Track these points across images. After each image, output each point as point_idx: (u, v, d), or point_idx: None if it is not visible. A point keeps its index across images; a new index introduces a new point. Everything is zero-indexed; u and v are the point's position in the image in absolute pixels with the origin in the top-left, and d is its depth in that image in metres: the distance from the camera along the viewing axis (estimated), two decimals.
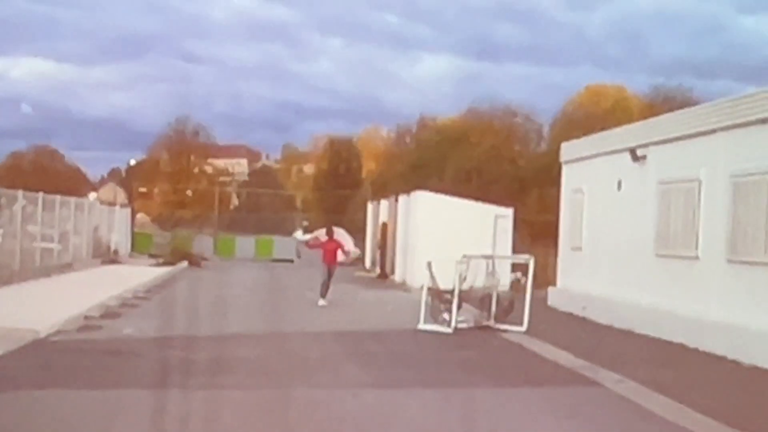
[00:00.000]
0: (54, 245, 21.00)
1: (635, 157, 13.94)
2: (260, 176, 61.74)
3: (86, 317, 12.33)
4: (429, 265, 13.60)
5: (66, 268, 21.04)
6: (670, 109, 18.81)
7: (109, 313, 13.22)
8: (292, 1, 65.05)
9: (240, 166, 65.91)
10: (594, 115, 34.83)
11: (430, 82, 68.75)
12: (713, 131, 11.87)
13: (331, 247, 16.88)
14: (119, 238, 30.03)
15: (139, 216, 43.71)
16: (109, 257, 26.78)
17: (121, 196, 41.58)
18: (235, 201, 57.82)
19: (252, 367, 9.25)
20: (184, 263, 26.96)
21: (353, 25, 73.25)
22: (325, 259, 16.58)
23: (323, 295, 16.27)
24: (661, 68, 68.75)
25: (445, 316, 12.94)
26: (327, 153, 54.87)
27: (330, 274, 16.48)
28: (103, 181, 58.80)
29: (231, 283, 21.83)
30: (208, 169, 57.51)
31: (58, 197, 21.73)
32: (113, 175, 66.00)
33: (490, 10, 66.74)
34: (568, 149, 18.18)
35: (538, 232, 24.12)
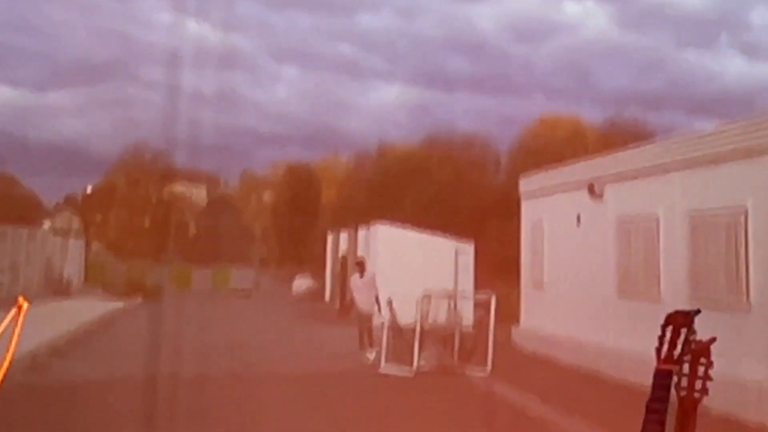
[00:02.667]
0: (2, 278, 20.40)
1: (593, 193, 13.91)
2: (219, 204, 61.11)
3: (34, 356, 11.92)
4: (389, 302, 13.39)
5: (15, 302, 20.37)
6: (626, 142, 18.94)
7: (58, 352, 12.80)
8: (248, 28, 64.51)
9: (198, 193, 65.17)
10: (550, 145, 35.07)
11: (385, 111, 69.07)
12: (669, 169, 11.87)
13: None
14: (72, 270, 29.33)
15: (94, 245, 42.89)
16: (61, 290, 26.11)
17: (76, 224, 40.76)
18: (193, 229, 57.08)
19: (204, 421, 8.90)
20: (138, 297, 26.36)
21: (308, 54, 73.18)
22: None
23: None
24: (610, 100, 69.82)
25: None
26: (286, 180, 54.53)
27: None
28: (58, 208, 57.69)
29: (188, 320, 21.33)
30: (166, 196, 56.76)
31: (9, 228, 21.18)
32: (69, 201, 64.86)
33: (440, 41, 67.40)
34: (526, 183, 18.13)
35: (499, 266, 24.03)
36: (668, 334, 2.90)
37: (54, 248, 26.89)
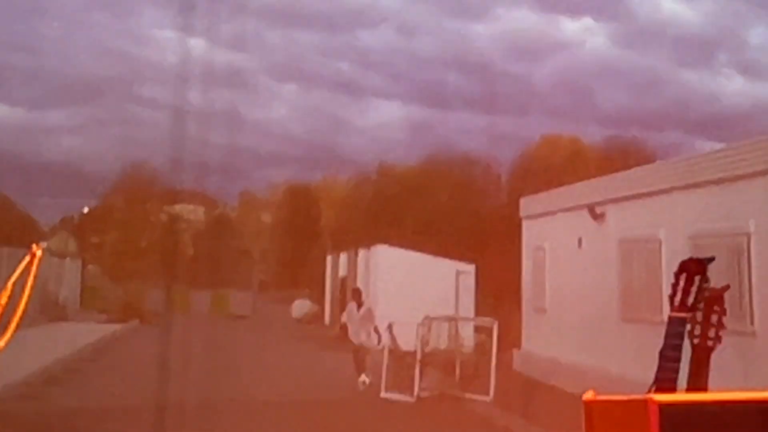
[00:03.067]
0: None
1: (594, 215, 13.77)
2: (217, 225, 60.97)
3: (27, 384, 11.72)
4: (390, 327, 13.22)
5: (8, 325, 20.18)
6: (626, 162, 18.86)
7: (51, 380, 12.59)
8: (246, 46, 64.33)
9: (196, 214, 65.09)
10: (551, 166, 34.98)
11: (384, 129, 69.08)
12: (671, 190, 11.74)
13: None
14: (68, 293, 29.13)
15: (90, 267, 42.69)
16: (56, 314, 25.88)
17: (73, 245, 40.57)
18: (191, 251, 56.90)
19: None
20: (136, 321, 26.13)
21: (306, 72, 73.25)
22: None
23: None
24: (610, 120, 69.88)
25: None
26: (285, 201, 54.39)
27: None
28: (54, 230, 57.52)
29: (191, 343, 21.09)
30: (164, 217, 56.61)
31: (5, 249, 21.02)
32: (65, 222, 64.68)
33: (438, 59, 67.43)
34: (527, 204, 17.97)
35: (500, 288, 23.86)
36: (682, 282, 2.94)
37: (50, 271, 26.71)
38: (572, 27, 67.48)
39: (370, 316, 13.91)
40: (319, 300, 31.20)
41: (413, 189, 39.54)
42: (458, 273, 21.10)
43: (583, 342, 14.05)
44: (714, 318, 3.01)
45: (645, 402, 2.32)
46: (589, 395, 2.48)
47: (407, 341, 13.08)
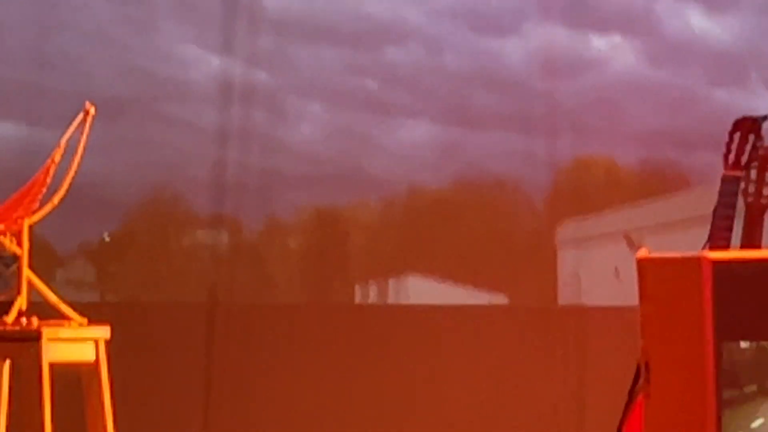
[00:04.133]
0: None
1: (631, 244, 13.24)
2: (242, 250, 60.74)
3: None
4: None
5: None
6: (660, 184, 18.26)
7: None
8: (271, 64, 64.15)
9: (221, 238, 64.93)
10: (586, 189, 34.10)
11: (413, 149, 68.54)
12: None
13: None
14: None
15: (109, 296, 42.15)
16: None
17: (92, 275, 40.09)
18: (214, 278, 56.52)
19: None
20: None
21: (332, 90, 73.07)
22: None
23: None
24: (642, 140, 69.07)
25: None
26: (312, 226, 53.84)
27: None
28: (72, 257, 57.47)
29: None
30: (187, 242, 56.21)
31: None
32: (83, 248, 64.31)
33: (466, 76, 66.97)
34: (562, 232, 17.43)
35: None
36: (736, 140, 2.96)
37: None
38: (601, 44, 66.81)
39: None
40: None
41: (444, 213, 38.69)
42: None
43: None
44: None
45: (698, 259, 2.34)
46: (642, 253, 2.53)
47: None
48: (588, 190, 33.52)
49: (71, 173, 4.15)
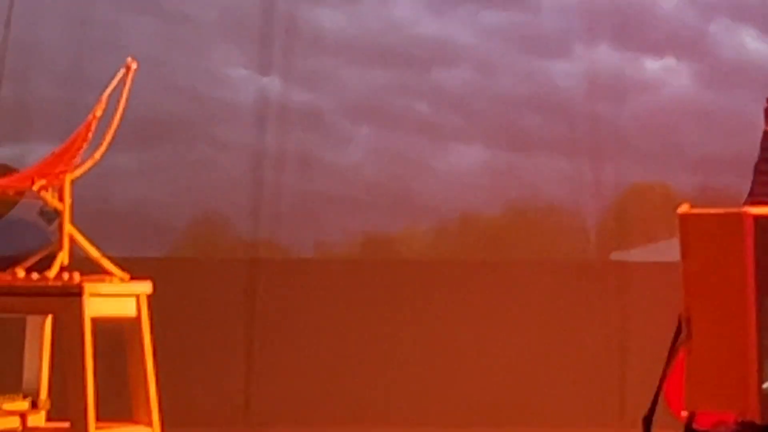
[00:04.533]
0: None
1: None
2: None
3: None
4: None
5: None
6: None
7: None
8: (319, 85, 64.86)
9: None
10: (642, 217, 33.41)
11: (464, 174, 68.16)
12: None
13: None
14: None
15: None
16: None
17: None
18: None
19: None
20: None
21: (382, 113, 73.34)
22: None
23: None
24: (698, 166, 67.71)
25: None
26: (362, 254, 53.41)
27: None
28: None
29: None
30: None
31: None
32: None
33: (518, 99, 66.58)
34: (618, 261, 16.80)
35: None
36: None
37: None
38: (654, 67, 65.82)
39: None
40: None
41: (497, 242, 37.92)
42: None
43: None
44: None
45: (740, 215, 2.39)
46: (684, 208, 2.52)
47: None
48: (645, 218, 32.78)
49: (113, 128, 4.10)
